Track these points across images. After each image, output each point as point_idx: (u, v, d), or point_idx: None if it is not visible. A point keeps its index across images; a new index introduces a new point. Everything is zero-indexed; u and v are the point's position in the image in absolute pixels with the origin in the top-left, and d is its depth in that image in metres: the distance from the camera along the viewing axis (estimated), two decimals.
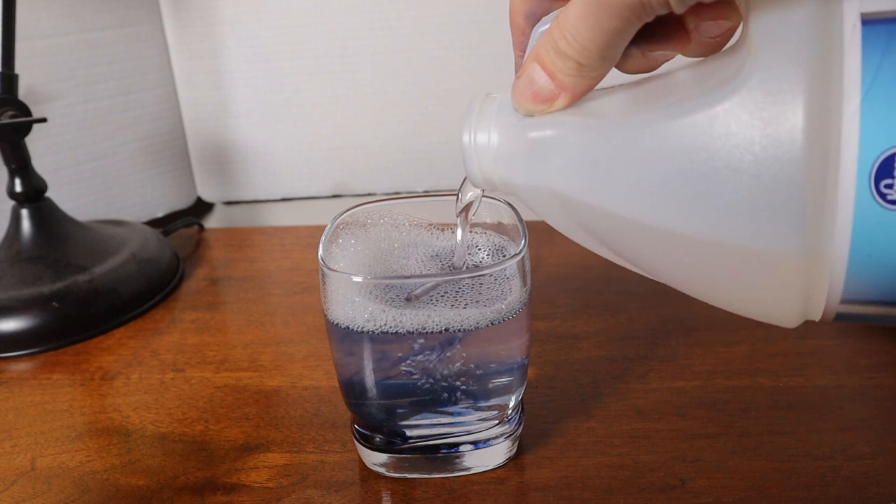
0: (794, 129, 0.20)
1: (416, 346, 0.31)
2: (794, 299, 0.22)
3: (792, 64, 0.20)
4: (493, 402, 0.33)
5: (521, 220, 0.34)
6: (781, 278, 0.21)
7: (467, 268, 0.35)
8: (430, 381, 0.31)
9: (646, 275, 0.26)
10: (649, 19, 0.21)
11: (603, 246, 0.26)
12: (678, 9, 0.21)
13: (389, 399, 0.32)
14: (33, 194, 0.51)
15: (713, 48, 0.26)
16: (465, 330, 0.30)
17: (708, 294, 0.24)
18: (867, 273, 0.20)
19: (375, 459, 0.34)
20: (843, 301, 0.21)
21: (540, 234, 0.60)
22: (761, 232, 0.21)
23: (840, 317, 0.22)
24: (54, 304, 0.48)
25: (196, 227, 0.67)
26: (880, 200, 0.19)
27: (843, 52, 0.19)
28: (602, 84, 0.25)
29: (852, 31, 0.19)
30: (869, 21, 0.19)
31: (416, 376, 0.31)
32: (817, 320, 0.23)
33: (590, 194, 0.24)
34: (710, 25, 0.25)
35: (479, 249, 0.36)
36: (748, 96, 0.20)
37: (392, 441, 0.33)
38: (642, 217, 0.23)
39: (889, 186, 0.19)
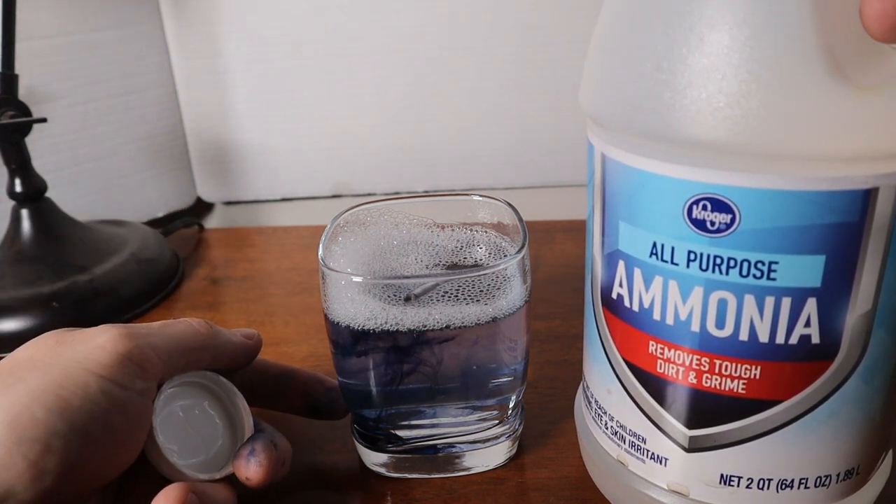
0: None
1: (417, 345, 0.30)
2: None
3: None
4: (492, 402, 0.33)
5: (521, 220, 0.34)
6: None
7: (467, 267, 0.35)
8: (431, 380, 0.31)
9: None
10: None
11: None
12: None
13: (390, 398, 0.32)
14: (33, 194, 0.51)
15: None
16: (465, 329, 0.30)
17: None
18: None
19: (375, 459, 0.34)
20: None
21: (540, 234, 0.60)
22: None
23: None
24: (54, 304, 0.48)
25: (196, 227, 0.67)
26: None
27: None
28: None
29: None
30: None
31: (416, 375, 0.31)
32: None
33: None
34: None
35: (480, 248, 0.36)
36: None
37: (392, 441, 0.33)
38: None
39: None
